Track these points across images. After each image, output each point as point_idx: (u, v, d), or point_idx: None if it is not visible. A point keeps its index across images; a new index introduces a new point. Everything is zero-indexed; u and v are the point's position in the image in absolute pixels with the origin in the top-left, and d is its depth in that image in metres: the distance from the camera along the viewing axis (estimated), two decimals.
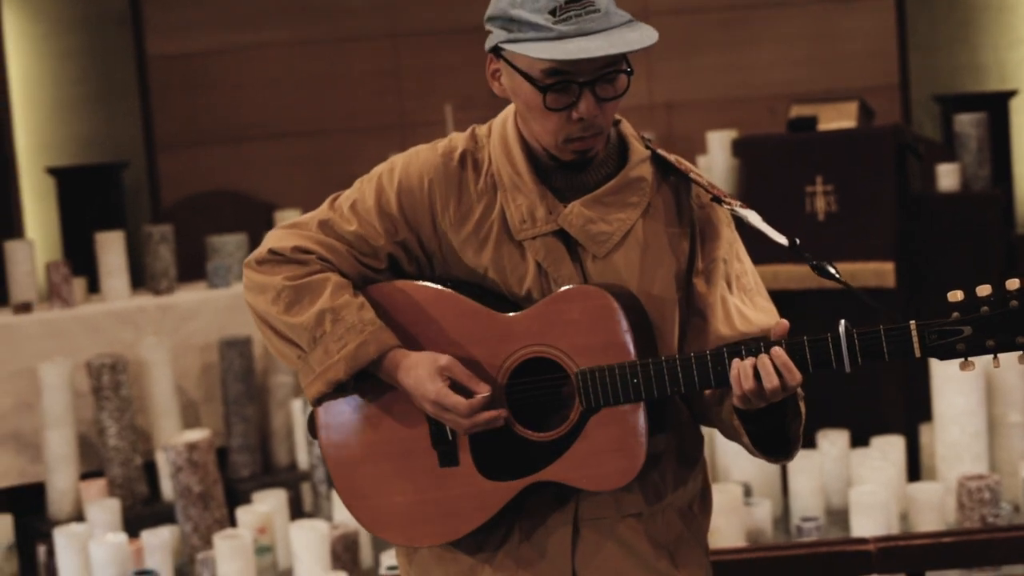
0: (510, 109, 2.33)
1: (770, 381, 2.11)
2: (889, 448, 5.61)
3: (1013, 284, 2.05)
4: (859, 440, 5.76)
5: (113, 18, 8.71)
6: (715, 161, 6.74)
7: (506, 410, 2.22)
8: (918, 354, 2.09)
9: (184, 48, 8.50)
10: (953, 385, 5.41)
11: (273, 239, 2.34)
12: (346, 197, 2.35)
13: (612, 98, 2.20)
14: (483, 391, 2.19)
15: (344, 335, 2.22)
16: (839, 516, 5.50)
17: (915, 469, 5.86)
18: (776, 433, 2.28)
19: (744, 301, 2.31)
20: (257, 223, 7.71)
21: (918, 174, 6.24)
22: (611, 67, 2.18)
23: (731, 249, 2.35)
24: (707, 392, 2.29)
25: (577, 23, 2.14)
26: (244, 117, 8.50)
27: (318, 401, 2.29)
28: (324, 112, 8.50)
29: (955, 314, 2.08)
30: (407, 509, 2.29)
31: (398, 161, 2.36)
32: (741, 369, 2.13)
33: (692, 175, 2.34)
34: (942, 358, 2.10)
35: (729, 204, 2.33)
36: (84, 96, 8.81)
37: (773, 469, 5.69)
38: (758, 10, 8.19)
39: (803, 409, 2.27)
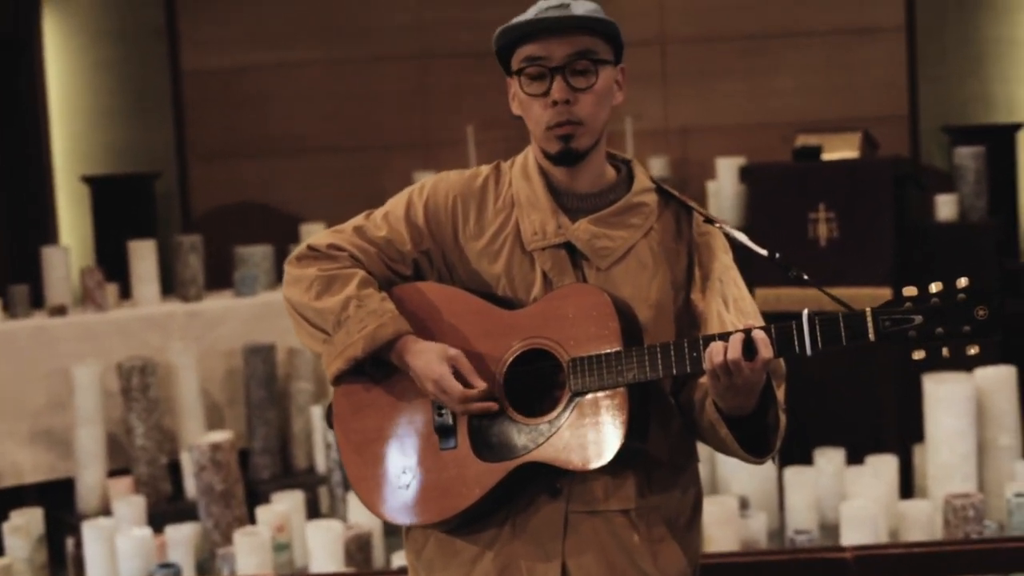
0: (530, 147, 2.59)
1: (734, 352, 2.26)
2: (882, 466, 5.79)
3: (962, 282, 2.23)
4: (854, 458, 5.95)
5: (150, 32, 8.87)
6: (723, 186, 6.95)
7: (495, 404, 2.42)
8: (872, 338, 2.24)
9: (218, 63, 8.64)
10: (945, 407, 5.60)
11: (313, 238, 2.61)
12: (380, 209, 2.62)
13: (585, 88, 2.45)
14: (480, 385, 2.42)
15: (365, 318, 2.46)
16: (833, 530, 5.66)
17: (908, 487, 6.04)
18: (756, 436, 2.43)
19: (740, 320, 2.45)
20: (284, 235, 7.87)
21: (918, 204, 6.43)
22: (579, 56, 2.44)
23: (727, 273, 2.53)
24: (696, 395, 2.45)
25: (546, 12, 2.45)
26: (274, 132, 8.66)
27: (337, 380, 2.52)
28: (351, 129, 8.63)
29: (908, 304, 2.25)
30: (410, 490, 2.49)
31: (428, 181, 2.63)
32: (713, 347, 2.29)
33: (691, 204, 2.57)
34: (894, 344, 2.24)
35: (719, 223, 2.54)
36: (119, 107, 8.98)
37: (770, 483, 5.89)
38: (773, 40, 8.31)
39: (783, 419, 2.42)
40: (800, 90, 8.31)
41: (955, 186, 6.66)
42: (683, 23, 8.38)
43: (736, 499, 5.47)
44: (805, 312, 2.27)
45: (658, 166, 7.82)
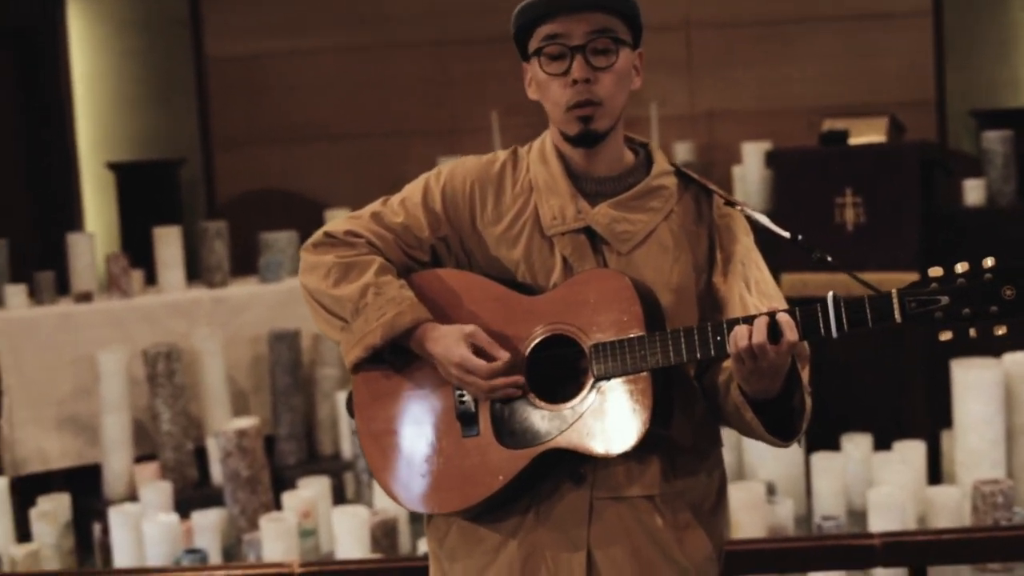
0: (547, 131, 2.57)
1: (759, 336, 2.23)
2: (910, 453, 5.78)
3: (988, 262, 2.20)
4: (882, 444, 5.93)
5: (173, 20, 8.90)
6: (749, 171, 6.92)
7: (523, 377, 2.40)
8: (899, 319, 2.21)
9: (241, 51, 8.67)
10: (973, 393, 5.57)
11: (329, 225, 2.58)
12: (397, 195, 2.59)
13: (604, 68, 2.42)
14: (503, 357, 2.39)
15: (384, 306, 2.43)
16: (860, 517, 5.66)
17: (936, 474, 6.02)
18: (781, 420, 2.40)
19: (763, 303, 2.43)
20: (308, 221, 7.81)
21: (946, 189, 6.38)
22: (599, 34, 2.42)
23: (749, 255, 2.51)
24: (720, 379, 2.42)
25: None
26: (297, 118, 8.67)
27: (356, 368, 2.50)
28: (374, 115, 8.64)
29: (934, 285, 2.21)
30: (431, 477, 2.46)
31: (445, 167, 2.60)
32: (737, 331, 2.26)
33: (711, 187, 2.55)
34: (921, 325, 2.21)
35: (740, 205, 2.53)
36: (144, 95, 9.02)
37: (797, 469, 5.87)
38: (799, 25, 8.28)
39: (809, 402, 2.39)
40: (825, 75, 8.29)
41: (983, 171, 6.61)
42: (708, 8, 8.35)
43: (763, 485, 5.46)
44: (830, 294, 2.24)
45: (684, 151, 7.79)
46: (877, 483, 5.58)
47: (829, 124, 6.54)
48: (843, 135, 6.41)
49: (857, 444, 5.89)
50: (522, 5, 2.46)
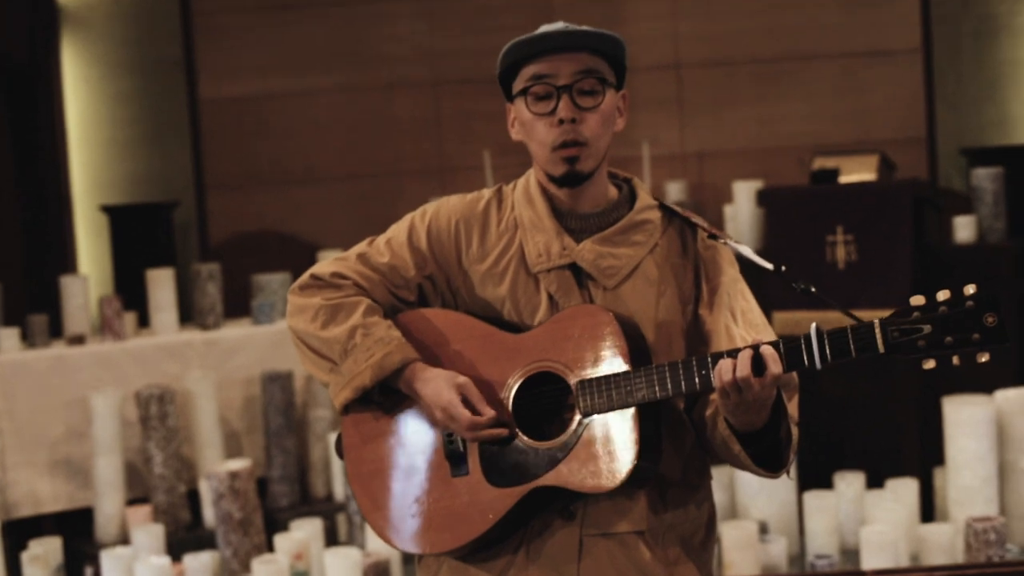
0: (531, 169, 2.59)
1: (743, 369, 2.25)
2: (903, 490, 5.76)
3: (969, 289, 2.21)
4: (874, 482, 5.92)
5: (167, 63, 8.93)
6: (741, 210, 6.94)
7: (505, 430, 2.42)
8: (881, 350, 2.22)
9: (235, 92, 8.69)
10: (965, 430, 5.57)
11: (316, 267, 2.61)
12: (383, 236, 2.62)
13: (591, 108, 2.45)
14: (488, 413, 2.41)
15: (372, 347, 2.46)
16: (853, 555, 5.63)
17: (929, 511, 6.01)
18: (769, 451, 2.42)
19: (750, 333, 2.45)
20: (301, 262, 7.85)
21: (936, 226, 6.40)
22: (585, 74, 2.45)
23: (735, 286, 2.54)
24: (707, 412, 2.44)
25: (546, 30, 2.47)
26: (291, 160, 8.69)
27: (346, 409, 2.52)
28: (367, 156, 8.66)
29: (916, 314, 2.22)
30: (422, 518, 2.49)
31: (430, 207, 2.63)
32: (722, 364, 2.28)
33: (694, 219, 2.57)
34: (904, 354, 2.22)
35: (723, 238, 2.54)
36: (138, 137, 9.02)
37: (790, 508, 5.86)
38: (788, 63, 8.33)
39: (795, 433, 2.40)
40: (816, 114, 8.33)
41: (973, 208, 6.64)
42: (698, 48, 8.40)
43: (756, 524, 5.45)
44: (813, 326, 2.26)
45: (675, 190, 7.82)
46: (870, 521, 5.57)
47: (820, 162, 6.57)
48: (834, 173, 6.44)
49: (850, 482, 5.89)
50: (509, 45, 2.49)
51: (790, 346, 2.27)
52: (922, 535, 5.41)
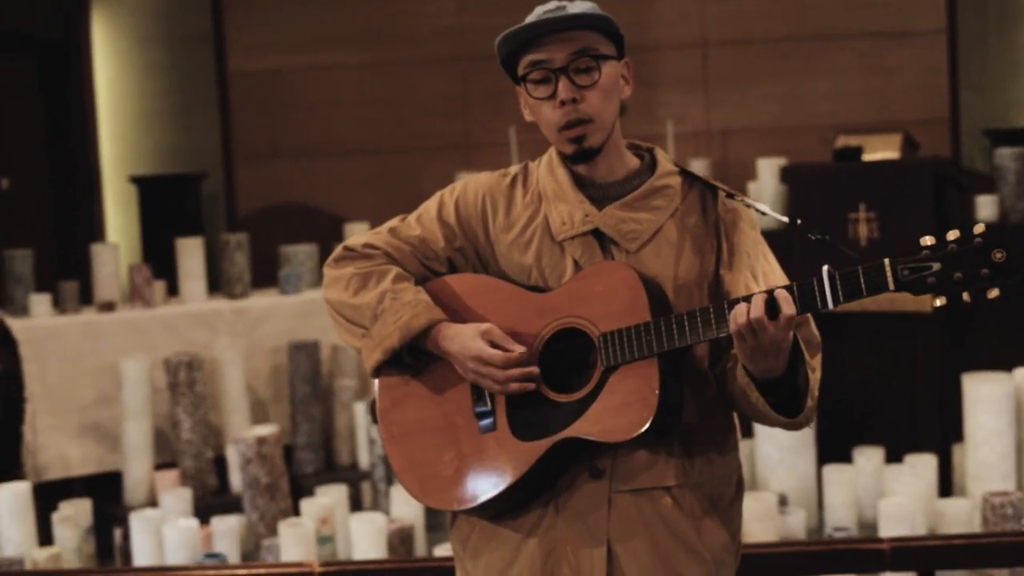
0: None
1: (757, 311, 2.29)
2: (921, 465, 5.82)
3: (979, 228, 2.24)
4: (894, 457, 5.98)
5: (196, 36, 9.02)
6: (764, 187, 7.00)
7: (537, 368, 2.47)
8: (892, 287, 2.24)
9: (263, 66, 8.76)
10: (984, 407, 5.62)
11: (349, 240, 2.69)
12: (413, 213, 2.70)
13: (589, 86, 2.51)
14: (518, 349, 2.47)
15: (400, 309, 2.53)
16: (871, 528, 5.70)
17: (947, 486, 6.06)
18: (788, 400, 2.44)
19: None
20: (327, 234, 7.96)
21: (959, 205, 6.43)
22: (580, 54, 2.51)
23: (756, 247, 2.58)
24: (728, 365, 2.48)
25: (543, 15, 2.52)
26: (318, 134, 8.76)
27: (376, 371, 2.59)
28: (394, 131, 8.73)
29: (925, 252, 2.25)
30: (451, 474, 2.54)
31: (459, 183, 2.71)
32: (737, 308, 2.32)
33: (714, 183, 2.63)
34: (914, 292, 2.25)
35: (740, 197, 2.60)
36: (166, 109, 9.12)
37: (809, 481, 5.92)
38: (813, 42, 8.35)
39: (813, 378, 2.43)
40: (840, 93, 8.34)
41: (996, 187, 6.67)
42: (723, 27, 8.43)
43: (775, 496, 5.50)
44: (825, 267, 2.29)
45: (700, 168, 7.86)
46: (888, 495, 5.63)
47: (843, 140, 6.60)
48: (857, 151, 6.47)
49: (869, 457, 5.94)
50: (502, 36, 2.56)
51: (803, 287, 2.31)
52: (940, 509, 5.46)
